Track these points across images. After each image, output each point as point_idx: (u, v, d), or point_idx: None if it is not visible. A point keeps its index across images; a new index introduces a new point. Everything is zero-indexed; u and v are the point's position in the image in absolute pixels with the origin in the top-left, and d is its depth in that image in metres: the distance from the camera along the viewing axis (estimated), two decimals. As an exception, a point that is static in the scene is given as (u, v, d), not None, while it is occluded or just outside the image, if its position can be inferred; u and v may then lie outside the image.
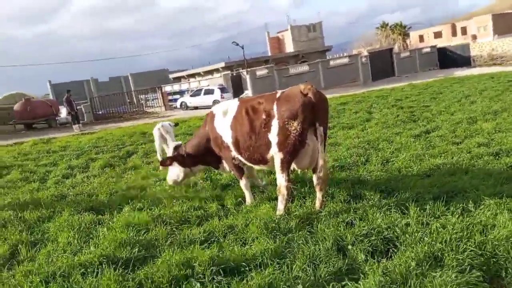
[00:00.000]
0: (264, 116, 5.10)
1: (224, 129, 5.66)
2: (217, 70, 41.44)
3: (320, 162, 4.98)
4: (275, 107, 5.01)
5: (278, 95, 5.13)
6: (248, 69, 33.39)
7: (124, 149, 12.08)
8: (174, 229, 4.98)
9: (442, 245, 3.73)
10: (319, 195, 5.15)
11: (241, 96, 26.09)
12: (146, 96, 37.90)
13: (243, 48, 39.30)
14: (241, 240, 4.46)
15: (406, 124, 10.74)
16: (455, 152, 7.18)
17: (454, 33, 65.04)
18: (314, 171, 5.15)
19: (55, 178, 8.95)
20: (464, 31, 63.24)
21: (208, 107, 25.37)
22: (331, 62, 37.58)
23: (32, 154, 13.18)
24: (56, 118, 29.78)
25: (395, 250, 3.87)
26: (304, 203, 5.44)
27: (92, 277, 3.81)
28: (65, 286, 3.76)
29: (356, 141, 9.19)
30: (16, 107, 28.65)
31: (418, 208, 4.59)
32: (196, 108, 30.97)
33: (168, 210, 5.66)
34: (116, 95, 37.38)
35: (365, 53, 39.10)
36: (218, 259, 3.88)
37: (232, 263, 3.83)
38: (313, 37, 56.55)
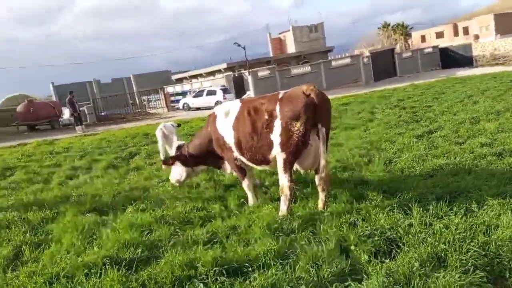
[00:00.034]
0: (266, 117, 5.11)
1: (226, 130, 5.67)
2: (219, 71, 41.48)
3: (322, 162, 4.98)
4: (277, 107, 5.02)
5: (280, 95, 5.14)
6: (250, 70, 33.41)
7: (127, 150, 12.10)
8: (177, 229, 4.99)
9: (445, 245, 3.73)
10: (321, 195, 5.15)
11: (243, 97, 26.11)
12: (149, 97, 37.96)
13: (244, 49, 39.39)
14: (244, 241, 4.46)
15: (408, 125, 10.73)
16: (458, 152, 7.16)
17: (456, 33, 64.94)
18: (317, 171, 5.16)
19: (58, 179, 8.98)
20: (466, 31, 63.13)
21: (210, 108, 25.37)
22: (333, 63, 37.55)
23: (36, 155, 13.22)
24: (59, 120, 29.87)
25: (398, 251, 3.87)
26: (307, 203, 5.44)
27: (96, 278, 3.82)
28: (69, 287, 3.78)
29: (358, 142, 9.19)
30: (19, 108, 28.75)
31: (421, 209, 4.59)
32: (198, 109, 30.99)
33: (171, 211, 5.67)
34: (118, 97, 37.47)
35: (367, 53, 39.04)
36: (221, 260, 3.88)
37: (235, 264, 3.84)
38: (314, 37, 56.55)
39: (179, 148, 6.64)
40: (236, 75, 35.28)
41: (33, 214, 6.16)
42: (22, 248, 4.83)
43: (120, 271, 3.85)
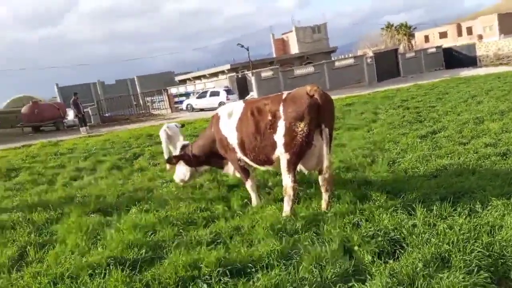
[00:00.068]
0: (270, 117, 5.11)
1: (229, 130, 5.68)
2: (222, 72, 41.49)
3: (326, 163, 4.98)
4: (281, 108, 5.02)
5: (284, 96, 5.15)
6: (253, 71, 33.42)
7: (131, 151, 12.12)
8: (180, 230, 5.00)
9: (449, 246, 3.72)
10: (325, 196, 5.15)
11: (246, 98, 26.12)
12: (152, 98, 38.08)
13: (248, 50, 39.36)
14: (247, 241, 4.47)
15: (412, 125, 10.71)
16: (462, 152, 7.14)
17: (459, 33, 64.75)
18: (320, 172, 5.16)
19: (63, 180, 9.01)
20: (469, 31, 62.95)
21: (214, 109, 25.41)
22: (336, 63, 37.51)
23: (40, 156, 13.26)
24: (64, 121, 30.00)
25: (402, 251, 3.86)
26: (310, 204, 5.44)
27: (100, 278, 3.83)
28: (73, 287, 3.79)
29: (362, 142, 9.18)
30: (24, 110, 28.90)
31: (425, 209, 4.58)
32: (202, 110, 31.04)
33: (174, 212, 5.69)
34: (122, 98, 37.62)
35: (370, 54, 39.00)
36: (225, 260, 3.89)
37: (238, 264, 3.84)
38: (318, 38, 56.47)
39: (183, 147, 6.69)
40: (240, 76, 35.29)
41: (37, 215, 6.19)
42: (27, 249, 4.86)
43: (124, 272, 3.86)
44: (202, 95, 32.51)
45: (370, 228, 4.26)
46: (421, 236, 4.01)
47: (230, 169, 6.27)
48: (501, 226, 4.03)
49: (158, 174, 8.54)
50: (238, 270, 3.80)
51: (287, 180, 5.06)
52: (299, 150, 4.95)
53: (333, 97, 5.45)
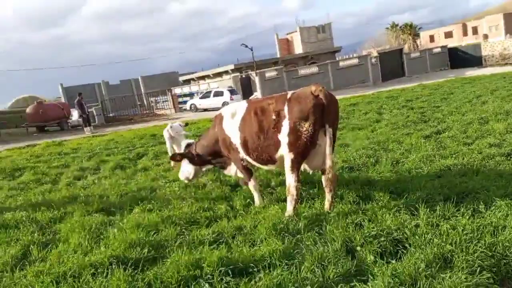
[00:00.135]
0: (274, 117, 5.11)
1: (232, 130, 5.68)
2: (226, 72, 41.55)
3: (329, 163, 4.97)
4: (286, 107, 5.02)
5: (289, 96, 5.14)
6: (257, 71, 33.43)
7: (134, 151, 12.17)
8: (183, 230, 5.00)
9: (452, 246, 3.70)
10: (328, 196, 5.14)
11: (250, 98, 26.13)
12: (156, 98, 38.20)
13: (252, 50, 39.42)
14: (249, 241, 4.46)
15: (416, 125, 10.67)
16: (466, 152, 7.11)
17: (465, 33, 64.49)
18: (323, 172, 5.15)
19: (66, 180, 9.06)
20: (475, 30, 62.69)
21: (218, 109, 25.41)
22: (341, 63, 37.48)
23: (44, 156, 13.34)
24: (68, 121, 30.16)
25: (404, 252, 3.85)
26: (313, 204, 5.43)
27: (102, 278, 3.84)
28: (76, 286, 3.80)
29: (365, 142, 9.15)
30: (29, 110, 29.07)
31: (428, 209, 4.56)
32: (205, 110, 31.10)
33: (177, 211, 5.69)
34: (126, 98, 37.72)
35: (375, 53, 38.90)
36: (227, 260, 3.89)
37: (240, 264, 3.84)
38: (322, 38, 56.39)
39: (188, 146, 6.73)
40: (244, 76, 35.32)
41: (41, 214, 6.22)
42: (30, 248, 4.87)
43: (127, 271, 3.87)
44: (206, 95, 32.57)
45: (373, 228, 4.25)
46: (424, 237, 3.99)
47: (232, 169, 6.27)
48: (504, 226, 4.01)
49: (161, 174, 8.56)
50: (240, 270, 3.79)
51: (290, 180, 5.05)
52: (304, 150, 4.95)
53: (337, 97, 5.44)
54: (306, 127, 4.83)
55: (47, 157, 13.05)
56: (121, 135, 17.82)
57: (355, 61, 38.15)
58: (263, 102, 5.43)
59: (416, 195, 5.15)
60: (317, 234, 4.41)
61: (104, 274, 3.90)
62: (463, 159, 6.72)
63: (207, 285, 3.60)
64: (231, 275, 3.69)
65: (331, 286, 3.41)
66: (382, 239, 4.01)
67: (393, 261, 3.68)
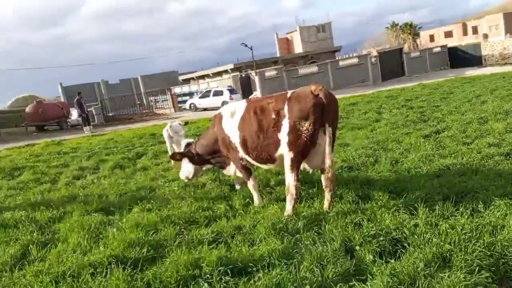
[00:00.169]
0: (274, 116, 5.11)
1: (231, 129, 5.68)
2: (226, 72, 41.56)
3: (328, 162, 4.97)
4: (286, 107, 5.02)
5: (288, 95, 5.14)
6: (257, 70, 33.43)
7: (134, 151, 12.17)
8: (182, 229, 5.01)
9: (450, 246, 3.70)
10: (327, 195, 5.14)
11: (250, 97, 26.14)
12: (156, 97, 38.19)
13: (251, 49, 39.44)
14: (249, 241, 4.46)
15: (416, 125, 10.67)
16: (465, 152, 7.11)
17: (465, 33, 64.52)
18: (323, 171, 5.15)
19: (66, 179, 9.06)
20: (475, 30, 62.72)
21: (217, 108, 25.41)
22: (340, 63, 37.47)
23: (44, 155, 13.34)
24: (67, 120, 30.15)
25: (403, 251, 3.85)
26: (312, 203, 5.44)
27: (101, 277, 3.84)
28: (75, 286, 3.80)
29: (365, 142, 9.16)
30: (28, 109, 29.08)
31: (427, 209, 4.57)
32: (205, 109, 31.09)
33: (176, 211, 5.69)
34: (126, 97, 37.70)
35: (375, 53, 38.91)
36: (226, 260, 3.89)
37: (239, 264, 3.84)
38: (322, 37, 56.38)
39: (188, 145, 6.73)
40: (243, 75, 35.32)
41: (40, 213, 6.21)
42: (29, 247, 4.86)
43: (126, 271, 3.87)
44: (205, 94, 32.56)
45: (372, 227, 4.25)
46: (423, 236, 3.99)
47: (231, 169, 6.27)
48: (503, 226, 4.01)
49: (160, 173, 8.56)
50: (239, 270, 3.80)
51: (290, 179, 5.05)
52: (304, 149, 4.96)
53: (337, 96, 5.44)
54: (306, 126, 4.83)
55: (47, 156, 13.05)
56: (120, 135, 17.83)
57: (355, 60, 38.14)
58: (263, 102, 5.43)
59: (415, 194, 5.16)
60: (316, 234, 4.41)
61: (103, 274, 3.90)
62: (462, 158, 6.73)
63: (206, 284, 3.60)
64: (230, 275, 3.69)
65: (330, 286, 3.41)
66: (381, 238, 4.01)
67: (392, 261, 3.68)
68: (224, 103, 26.60)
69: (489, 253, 3.53)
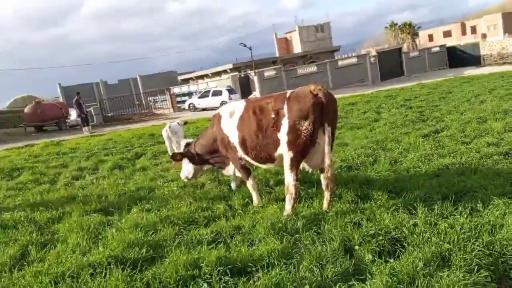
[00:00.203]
0: (273, 115, 5.11)
1: (230, 129, 5.68)
2: (225, 72, 41.54)
3: (328, 162, 4.98)
4: (285, 106, 5.02)
5: (288, 95, 5.14)
6: (256, 70, 33.43)
7: (133, 151, 12.15)
8: (181, 229, 5.00)
9: (450, 245, 3.71)
10: (326, 195, 5.15)
11: (249, 97, 26.15)
12: (155, 98, 38.14)
13: (250, 49, 39.44)
14: (248, 241, 4.46)
15: (415, 124, 10.68)
16: (464, 151, 7.12)
17: (464, 32, 64.60)
18: (322, 171, 5.15)
19: (65, 180, 9.05)
20: (474, 30, 62.78)
21: (216, 108, 25.40)
22: (339, 63, 37.50)
23: (43, 156, 13.33)
24: (66, 121, 30.11)
25: (403, 250, 3.86)
26: (312, 203, 5.44)
27: (101, 278, 3.83)
28: (74, 286, 3.79)
29: (364, 141, 9.16)
30: (27, 109, 29.05)
31: (426, 208, 4.57)
32: (204, 109, 31.08)
33: (176, 211, 5.69)
34: (125, 97, 37.68)
35: (374, 53, 38.94)
36: (225, 260, 3.89)
37: (239, 264, 3.84)
38: (321, 37, 56.39)
39: (187, 145, 6.72)
40: (242, 75, 35.32)
41: (39, 214, 6.20)
42: (29, 248, 4.86)
43: (125, 271, 3.86)
44: (204, 94, 32.55)
45: (371, 227, 4.25)
46: (422, 235, 4.00)
47: (230, 169, 6.27)
48: (502, 225, 4.02)
49: (159, 173, 8.55)
50: (239, 269, 3.80)
51: (289, 179, 5.05)
52: (303, 149, 4.96)
53: (336, 96, 5.44)
54: (305, 125, 4.84)
55: (46, 157, 13.03)
56: (119, 135, 17.81)
57: (354, 60, 38.17)
58: (262, 101, 5.43)
59: (414, 194, 5.16)
60: (315, 234, 4.41)
61: (103, 274, 3.89)
62: (461, 158, 6.73)
63: (205, 284, 3.60)
64: (229, 275, 3.69)
65: (330, 285, 3.41)
66: (380, 238, 4.01)
67: (391, 260, 3.68)
68: (223, 103, 26.60)
69: (488, 252, 3.54)
